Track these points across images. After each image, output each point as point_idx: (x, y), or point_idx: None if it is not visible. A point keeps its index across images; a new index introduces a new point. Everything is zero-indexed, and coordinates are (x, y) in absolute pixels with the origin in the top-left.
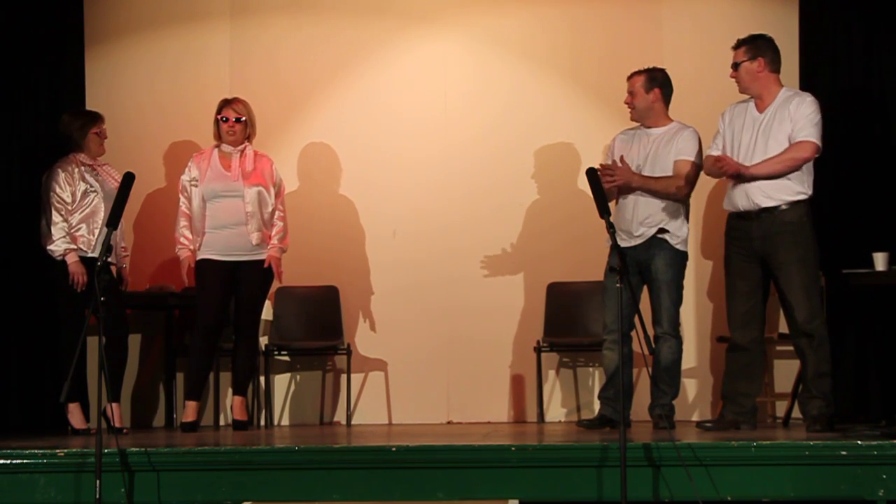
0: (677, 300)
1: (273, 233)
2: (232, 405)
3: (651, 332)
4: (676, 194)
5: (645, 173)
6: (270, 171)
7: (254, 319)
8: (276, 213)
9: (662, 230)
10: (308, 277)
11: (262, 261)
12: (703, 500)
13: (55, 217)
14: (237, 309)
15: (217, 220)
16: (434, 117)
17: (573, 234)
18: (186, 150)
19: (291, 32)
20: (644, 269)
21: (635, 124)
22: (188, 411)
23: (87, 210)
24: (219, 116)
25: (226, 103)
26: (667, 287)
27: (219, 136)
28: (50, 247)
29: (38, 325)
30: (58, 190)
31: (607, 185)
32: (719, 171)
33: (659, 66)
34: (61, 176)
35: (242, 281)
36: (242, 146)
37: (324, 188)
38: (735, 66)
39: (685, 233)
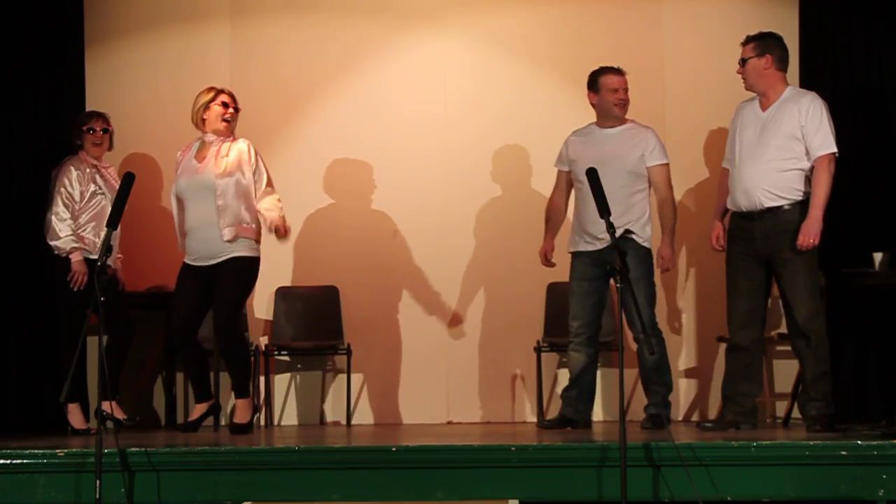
0: (651, 298)
1: (264, 203)
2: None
3: (631, 334)
4: (672, 205)
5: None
6: (248, 157)
7: (226, 319)
8: (267, 194)
9: (628, 231)
10: (308, 277)
11: (235, 258)
12: (703, 500)
13: (63, 213)
14: (214, 315)
15: (189, 224)
16: (434, 117)
17: None
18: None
19: (291, 32)
20: (612, 269)
21: (584, 125)
22: (193, 412)
23: (95, 211)
24: (214, 103)
25: (219, 91)
26: (638, 285)
27: (203, 124)
28: (56, 242)
29: (39, 324)
30: (68, 186)
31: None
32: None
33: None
34: (74, 173)
35: (216, 282)
36: (228, 139)
37: (324, 188)
38: (742, 62)
39: (649, 232)
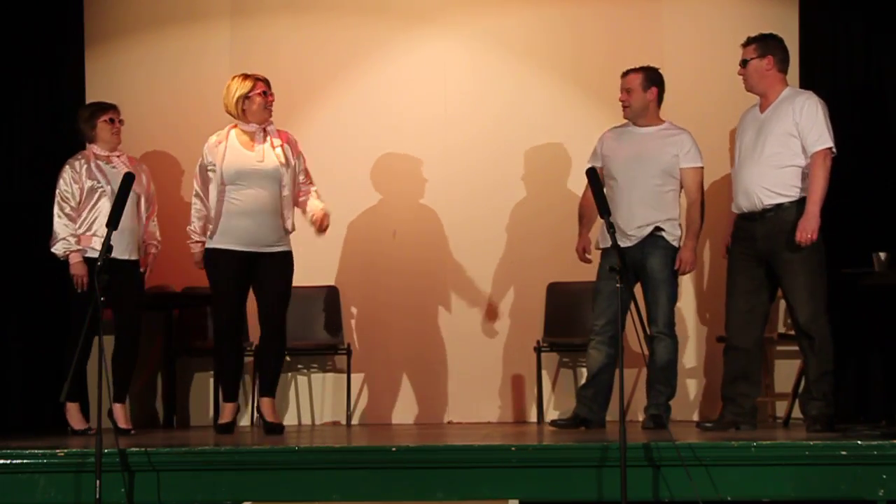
0: (673, 298)
1: (310, 199)
2: (260, 407)
3: (630, 334)
4: (700, 209)
5: (632, 171)
6: (297, 150)
7: (282, 315)
8: (307, 186)
9: (658, 228)
10: (308, 277)
11: (285, 252)
12: (703, 500)
13: (58, 216)
14: (264, 305)
15: (239, 207)
16: (434, 117)
17: (573, 234)
18: (186, 152)
19: (291, 32)
20: (639, 267)
21: (625, 122)
22: (224, 413)
23: (98, 209)
24: (254, 92)
25: (257, 79)
26: (663, 285)
27: (244, 114)
28: (53, 248)
29: (40, 324)
30: (63, 187)
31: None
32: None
33: (654, 66)
34: (68, 173)
35: (264, 275)
36: (270, 127)
37: (323, 188)
38: (743, 63)
39: (679, 232)
